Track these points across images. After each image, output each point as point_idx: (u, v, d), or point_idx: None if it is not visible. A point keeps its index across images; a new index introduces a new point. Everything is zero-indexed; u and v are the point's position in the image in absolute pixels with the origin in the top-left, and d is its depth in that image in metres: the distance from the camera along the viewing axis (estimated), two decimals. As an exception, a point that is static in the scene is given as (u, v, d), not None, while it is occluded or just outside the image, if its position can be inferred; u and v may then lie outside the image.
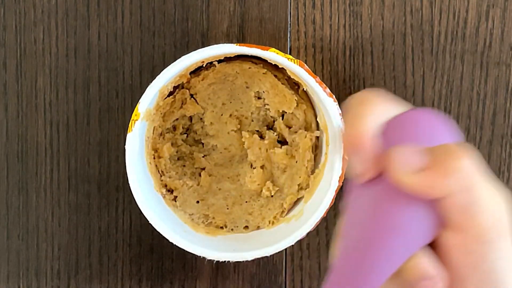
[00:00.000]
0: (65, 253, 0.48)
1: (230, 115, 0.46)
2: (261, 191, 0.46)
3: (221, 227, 0.46)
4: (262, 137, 0.46)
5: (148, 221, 0.41)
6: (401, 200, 0.30)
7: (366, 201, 0.31)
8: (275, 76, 0.45)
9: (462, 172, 0.30)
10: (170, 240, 0.42)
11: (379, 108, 0.32)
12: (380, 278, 0.30)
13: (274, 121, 0.47)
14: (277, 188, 0.46)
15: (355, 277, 0.29)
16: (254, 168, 0.46)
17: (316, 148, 0.46)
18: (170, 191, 0.46)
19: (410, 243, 0.30)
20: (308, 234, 0.42)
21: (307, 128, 0.46)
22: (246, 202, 0.46)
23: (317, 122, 0.45)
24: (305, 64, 0.42)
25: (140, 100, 0.41)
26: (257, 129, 0.47)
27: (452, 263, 0.32)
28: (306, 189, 0.45)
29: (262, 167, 0.46)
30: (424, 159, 0.30)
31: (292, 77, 0.43)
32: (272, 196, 0.46)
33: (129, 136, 0.41)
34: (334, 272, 0.30)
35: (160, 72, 0.40)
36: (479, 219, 0.30)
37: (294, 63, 0.41)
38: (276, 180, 0.46)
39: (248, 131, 0.46)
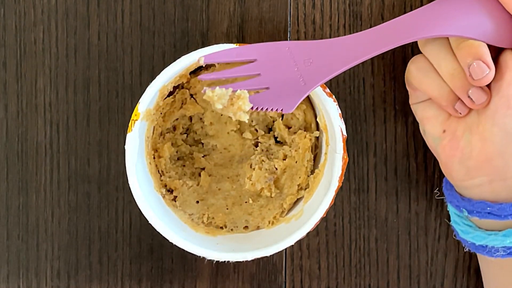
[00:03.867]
0: (65, 253, 0.48)
1: (230, 115, 0.46)
2: (261, 191, 0.46)
3: (221, 227, 0.46)
4: (256, 145, 0.46)
5: (148, 221, 0.41)
6: (490, 1, 0.40)
7: None
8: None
9: None
10: (170, 240, 0.42)
11: None
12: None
13: (273, 122, 0.47)
14: (277, 190, 0.46)
15: None
16: (253, 169, 0.46)
17: (316, 148, 0.46)
18: (170, 191, 0.46)
19: (476, 28, 0.39)
20: (308, 234, 0.42)
21: (306, 128, 0.46)
22: (246, 202, 0.46)
23: (317, 122, 0.45)
24: (305, 64, 0.42)
25: (140, 100, 0.41)
26: (256, 129, 0.47)
27: (502, 79, 0.39)
28: (306, 189, 0.45)
29: (261, 168, 0.46)
30: None
31: (292, 77, 0.43)
32: (272, 196, 0.46)
33: (129, 136, 0.41)
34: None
35: (160, 72, 0.41)
36: None
37: (294, 63, 0.41)
38: (276, 180, 0.46)
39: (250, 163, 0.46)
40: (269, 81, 0.40)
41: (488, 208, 0.40)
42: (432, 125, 0.42)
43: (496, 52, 0.41)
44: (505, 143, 0.39)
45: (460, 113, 0.41)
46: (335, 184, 0.41)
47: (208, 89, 0.38)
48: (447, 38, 0.41)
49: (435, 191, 0.47)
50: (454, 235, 0.44)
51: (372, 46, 0.40)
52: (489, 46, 0.40)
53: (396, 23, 0.40)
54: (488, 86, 0.40)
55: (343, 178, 0.42)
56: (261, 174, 0.45)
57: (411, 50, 0.47)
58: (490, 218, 0.40)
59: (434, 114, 0.42)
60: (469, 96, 0.40)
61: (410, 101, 0.44)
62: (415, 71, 0.42)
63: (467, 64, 0.39)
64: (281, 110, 0.40)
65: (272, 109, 0.40)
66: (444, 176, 0.44)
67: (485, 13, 0.40)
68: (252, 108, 0.39)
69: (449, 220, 0.45)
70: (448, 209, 0.45)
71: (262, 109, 0.40)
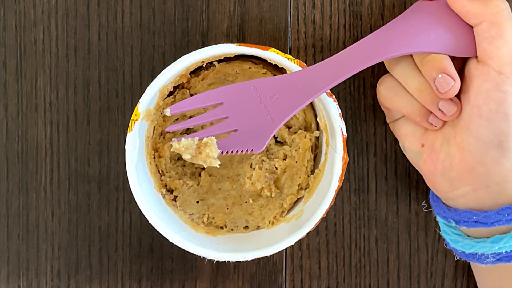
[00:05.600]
0: (65, 253, 0.48)
1: (230, 115, 0.46)
2: (261, 191, 0.46)
3: (221, 227, 0.46)
4: None
5: (148, 221, 0.41)
6: (447, 14, 0.40)
7: (423, 9, 0.41)
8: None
9: (497, 7, 0.38)
10: (170, 240, 0.42)
11: None
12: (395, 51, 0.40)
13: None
14: (277, 190, 0.46)
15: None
16: (253, 169, 0.46)
17: (316, 148, 0.46)
18: (170, 191, 0.46)
19: (436, 42, 0.40)
20: (308, 234, 0.42)
21: (307, 128, 0.46)
22: (246, 202, 0.46)
23: (317, 122, 0.45)
24: (305, 64, 0.42)
25: (140, 100, 0.41)
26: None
27: (470, 89, 0.39)
28: (306, 189, 0.45)
29: (261, 167, 0.46)
30: None
31: (292, 77, 0.43)
32: (272, 196, 0.46)
33: (129, 136, 0.41)
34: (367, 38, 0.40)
35: (160, 72, 0.41)
36: (501, 52, 0.38)
37: (294, 63, 0.41)
38: (276, 180, 0.46)
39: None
40: (237, 123, 0.40)
41: (474, 217, 0.40)
42: (410, 141, 0.43)
43: (462, 63, 0.41)
44: (483, 152, 0.39)
45: (435, 126, 0.41)
46: (335, 184, 0.41)
47: (175, 141, 0.39)
48: (410, 55, 0.41)
49: (422, 203, 0.48)
50: (445, 244, 0.44)
51: (334, 74, 0.40)
52: (453, 58, 0.40)
53: (357, 48, 0.40)
54: (458, 96, 0.40)
55: (343, 178, 0.42)
56: (261, 174, 0.45)
57: (411, 50, 0.47)
58: (477, 226, 0.41)
59: (411, 130, 0.43)
60: (439, 109, 0.40)
61: (387, 120, 0.45)
62: (384, 91, 0.43)
63: (432, 78, 0.39)
64: (251, 150, 0.40)
65: (242, 151, 0.40)
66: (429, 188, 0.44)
67: (444, 26, 0.40)
68: (222, 152, 0.40)
69: (440, 230, 0.45)
70: (437, 220, 0.45)
71: (232, 152, 0.40)
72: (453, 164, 0.40)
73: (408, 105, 0.42)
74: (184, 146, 0.39)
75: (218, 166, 0.40)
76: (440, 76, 0.39)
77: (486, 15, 0.39)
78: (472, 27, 0.40)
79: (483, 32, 0.39)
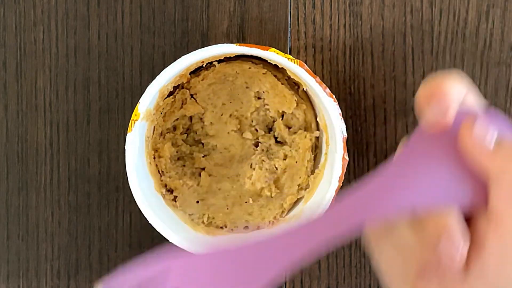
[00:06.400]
0: (65, 253, 0.48)
1: (230, 115, 0.46)
2: (261, 191, 0.46)
3: (221, 227, 0.46)
4: (257, 145, 0.46)
5: (148, 221, 0.41)
6: (456, 158, 0.32)
7: (424, 145, 0.32)
8: (275, 76, 0.45)
9: None
10: (170, 240, 0.42)
11: (462, 85, 0.33)
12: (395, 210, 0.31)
13: (274, 121, 0.47)
14: (277, 190, 0.46)
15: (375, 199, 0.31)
16: (253, 169, 0.46)
17: (316, 148, 0.46)
18: (170, 191, 0.46)
19: (443, 195, 0.31)
20: (308, 234, 0.42)
21: (307, 128, 0.46)
22: (246, 202, 0.46)
23: (317, 122, 0.45)
24: (305, 64, 0.42)
25: (140, 100, 0.41)
26: (256, 129, 0.47)
27: (483, 247, 0.31)
28: (306, 189, 0.45)
29: (261, 167, 0.46)
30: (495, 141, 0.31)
31: (292, 77, 0.43)
32: (272, 196, 0.46)
33: (129, 136, 0.41)
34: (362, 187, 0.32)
35: (160, 72, 0.41)
36: None
37: (294, 63, 0.41)
38: (276, 180, 0.46)
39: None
40: None
41: None
42: None
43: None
44: None
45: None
46: (335, 184, 0.41)
47: None
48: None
49: None
50: None
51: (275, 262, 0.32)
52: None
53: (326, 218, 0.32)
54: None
55: (343, 178, 0.42)
56: (262, 174, 0.45)
57: (411, 50, 0.47)
58: None
59: None
60: None
61: None
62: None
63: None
64: None
65: None
66: None
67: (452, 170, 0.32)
68: None
69: None
70: None
71: None
72: None
73: None
74: None
75: None
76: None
77: (507, 171, 0.31)
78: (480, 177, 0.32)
79: (502, 188, 0.31)
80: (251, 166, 0.46)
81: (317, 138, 0.46)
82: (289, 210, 0.46)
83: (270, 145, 0.47)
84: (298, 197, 0.46)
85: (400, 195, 0.31)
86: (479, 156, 0.32)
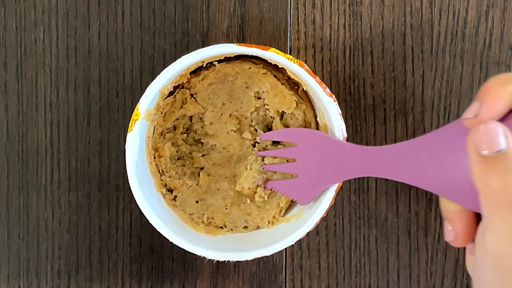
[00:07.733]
0: (65, 253, 0.48)
1: (230, 115, 0.46)
2: (254, 193, 0.46)
3: (221, 227, 0.46)
4: (254, 145, 0.46)
5: (148, 221, 0.41)
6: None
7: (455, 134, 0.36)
8: (275, 76, 0.45)
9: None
10: (170, 240, 0.42)
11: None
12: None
13: (272, 121, 0.47)
14: (269, 192, 0.46)
15: None
16: (250, 170, 0.46)
17: (316, 148, 0.46)
18: (170, 190, 0.46)
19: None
20: (308, 234, 0.42)
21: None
22: (244, 202, 0.46)
23: (316, 122, 0.45)
24: (305, 64, 0.42)
25: (140, 100, 0.41)
26: (256, 129, 0.47)
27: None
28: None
29: (252, 168, 0.46)
30: None
31: (292, 77, 0.43)
32: (265, 200, 0.46)
33: (129, 136, 0.41)
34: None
35: (160, 72, 0.41)
36: None
37: (294, 63, 0.41)
38: (267, 180, 0.46)
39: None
40: (301, 170, 0.42)
41: None
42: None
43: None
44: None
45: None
46: (335, 184, 0.41)
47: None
48: None
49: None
50: None
51: (401, 166, 0.38)
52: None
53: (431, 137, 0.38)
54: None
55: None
56: (250, 175, 0.45)
57: (411, 50, 0.47)
58: None
59: None
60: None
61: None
62: None
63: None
64: (297, 201, 0.43)
65: (290, 198, 0.44)
66: None
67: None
68: (271, 189, 0.44)
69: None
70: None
71: (281, 192, 0.43)
72: None
73: None
74: None
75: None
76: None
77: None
78: None
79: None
80: (247, 167, 0.46)
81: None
82: (289, 210, 0.46)
83: (266, 145, 0.46)
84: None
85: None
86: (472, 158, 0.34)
